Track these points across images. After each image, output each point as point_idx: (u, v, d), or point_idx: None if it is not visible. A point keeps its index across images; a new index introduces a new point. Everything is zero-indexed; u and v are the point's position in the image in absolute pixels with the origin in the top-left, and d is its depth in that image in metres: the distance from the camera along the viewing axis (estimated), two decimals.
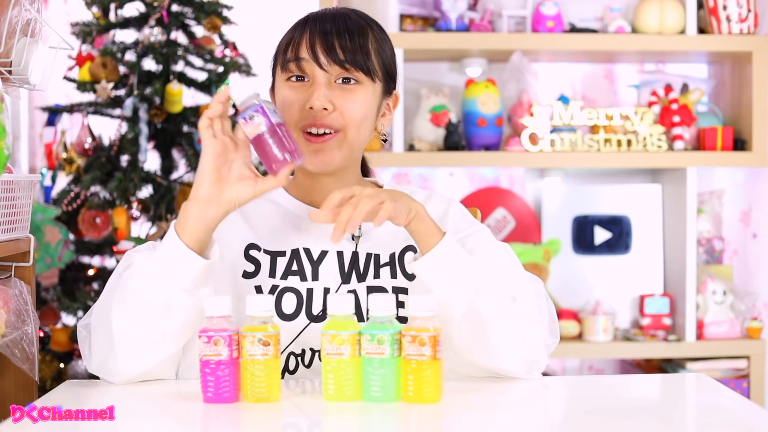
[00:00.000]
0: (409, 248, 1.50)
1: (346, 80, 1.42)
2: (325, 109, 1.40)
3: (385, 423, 1.17)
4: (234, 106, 1.33)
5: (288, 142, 1.29)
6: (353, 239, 1.48)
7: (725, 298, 2.91)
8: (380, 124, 1.50)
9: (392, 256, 1.49)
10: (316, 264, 1.47)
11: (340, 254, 1.48)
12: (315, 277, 1.46)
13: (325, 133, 1.42)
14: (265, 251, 1.48)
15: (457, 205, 1.57)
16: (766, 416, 1.15)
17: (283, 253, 1.47)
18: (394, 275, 1.47)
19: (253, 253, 1.47)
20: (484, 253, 1.39)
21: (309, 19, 1.44)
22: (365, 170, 1.61)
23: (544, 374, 1.44)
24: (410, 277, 1.48)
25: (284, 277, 1.46)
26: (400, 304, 1.43)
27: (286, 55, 1.43)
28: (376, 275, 1.47)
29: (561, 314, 2.91)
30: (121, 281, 1.34)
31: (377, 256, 1.48)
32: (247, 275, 1.46)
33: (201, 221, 1.31)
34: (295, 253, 1.47)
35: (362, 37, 1.43)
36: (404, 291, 1.45)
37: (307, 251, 1.48)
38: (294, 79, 1.43)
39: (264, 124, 1.28)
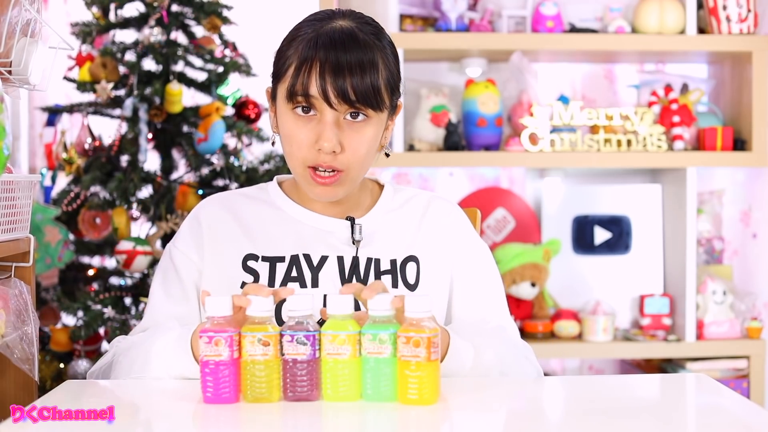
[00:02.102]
0: (411, 258, 1.50)
1: (354, 114, 1.40)
2: (334, 151, 1.39)
3: (384, 423, 1.17)
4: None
5: (315, 377, 1.21)
6: (354, 243, 1.48)
7: (725, 298, 2.91)
8: (383, 137, 1.48)
9: (393, 263, 1.49)
10: (315, 270, 1.46)
11: (340, 259, 1.47)
12: (315, 284, 1.45)
13: (329, 173, 1.41)
14: (264, 258, 1.47)
15: (460, 212, 1.58)
16: (766, 416, 1.15)
17: (282, 259, 1.47)
18: (395, 284, 1.47)
19: (251, 264, 1.47)
20: (484, 341, 1.40)
21: (318, 42, 1.37)
22: None
23: (545, 374, 1.45)
24: (411, 287, 1.48)
25: (283, 284, 1.45)
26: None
27: (294, 85, 1.38)
28: None
29: (561, 314, 2.91)
30: (140, 361, 1.37)
31: (377, 261, 1.48)
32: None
33: None
34: (294, 259, 1.47)
35: (372, 61, 1.38)
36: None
37: (307, 257, 1.47)
38: (300, 110, 1.40)
39: (307, 355, 1.20)
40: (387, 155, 1.53)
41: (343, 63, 1.36)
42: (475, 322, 1.46)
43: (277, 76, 1.44)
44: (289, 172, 1.55)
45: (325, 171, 1.41)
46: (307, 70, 1.37)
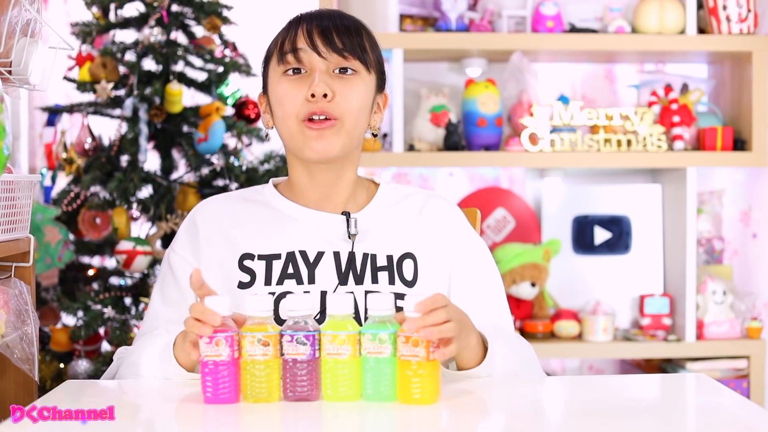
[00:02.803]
0: (408, 256, 1.50)
1: (344, 70, 1.44)
2: (325, 95, 1.42)
3: (384, 423, 1.17)
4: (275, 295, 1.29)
5: (315, 377, 1.21)
6: (349, 237, 1.48)
7: (725, 298, 2.91)
8: (373, 120, 1.51)
9: (390, 259, 1.49)
10: (312, 266, 1.46)
11: (336, 254, 1.48)
12: (311, 280, 1.46)
13: (325, 119, 1.43)
14: (260, 256, 1.47)
15: (458, 210, 1.58)
16: (766, 416, 1.15)
17: (278, 256, 1.47)
18: (392, 281, 1.47)
19: (247, 263, 1.47)
20: (506, 342, 1.40)
21: (303, 17, 1.47)
22: None
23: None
24: (409, 284, 1.48)
25: (280, 282, 1.45)
26: (398, 310, 1.42)
27: (283, 49, 1.45)
28: (374, 279, 1.47)
29: (561, 314, 2.91)
30: (133, 373, 1.38)
31: (374, 257, 1.48)
32: (242, 285, 1.46)
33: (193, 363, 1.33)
34: (290, 256, 1.47)
35: (358, 33, 1.46)
36: (402, 297, 1.45)
37: (303, 253, 1.47)
38: (291, 72, 1.44)
39: (307, 355, 1.20)
40: (374, 135, 1.55)
41: (327, 20, 1.45)
42: (496, 327, 1.46)
43: (267, 59, 1.50)
44: (287, 174, 1.56)
45: (319, 118, 1.43)
46: (293, 32, 1.45)
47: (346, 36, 1.44)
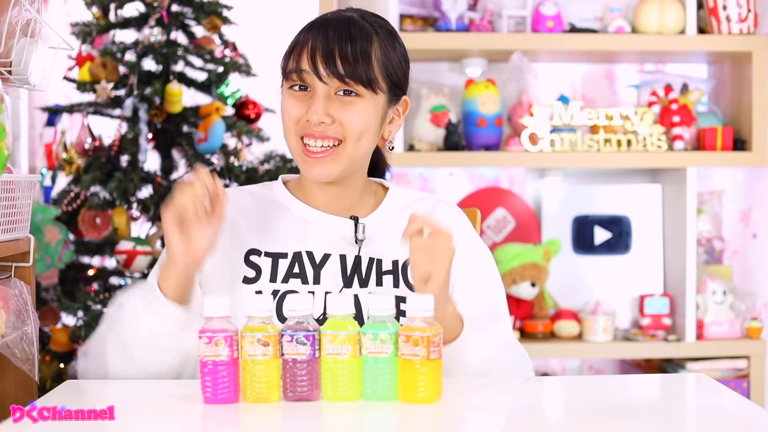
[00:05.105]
0: None
1: (347, 92, 1.42)
2: (323, 122, 1.41)
3: (385, 423, 1.17)
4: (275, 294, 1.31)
5: (315, 377, 1.20)
6: (356, 242, 1.49)
7: (725, 298, 2.91)
8: (387, 131, 1.50)
9: (395, 263, 1.49)
10: (318, 267, 1.47)
11: (342, 258, 1.48)
12: (317, 281, 1.46)
13: (323, 147, 1.43)
14: (266, 254, 1.48)
15: (464, 217, 1.59)
16: (766, 416, 1.15)
17: (284, 255, 1.47)
18: (396, 284, 1.48)
19: (253, 258, 1.47)
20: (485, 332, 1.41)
21: (314, 25, 1.44)
22: (380, 169, 1.62)
23: (544, 374, 1.45)
24: (413, 288, 1.48)
25: (285, 280, 1.46)
26: (402, 313, 1.42)
27: (288, 63, 1.44)
28: (379, 282, 1.47)
29: (561, 314, 2.91)
30: (116, 325, 1.39)
31: (379, 261, 1.48)
32: (247, 281, 1.46)
33: (181, 280, 1.35)
34: (297, 255, 1.47)
35: (366, 45, 1.42)
36: (405, 301, 1.45)
37: (310, 254, 1.48)
38: (296, 88, 1.44)
39: (307, 355, 1.19)
40: (391, 149, 1.54)
41: (334, 39, 1.41)
42: (485, 315, 1.46)
43: (282, 67, 1.49)
44: (289, 172, 1.56)
45: (316, 143, 1.43)
46: (299, 48, 1.43)
47: (350, 58, 1.40)
